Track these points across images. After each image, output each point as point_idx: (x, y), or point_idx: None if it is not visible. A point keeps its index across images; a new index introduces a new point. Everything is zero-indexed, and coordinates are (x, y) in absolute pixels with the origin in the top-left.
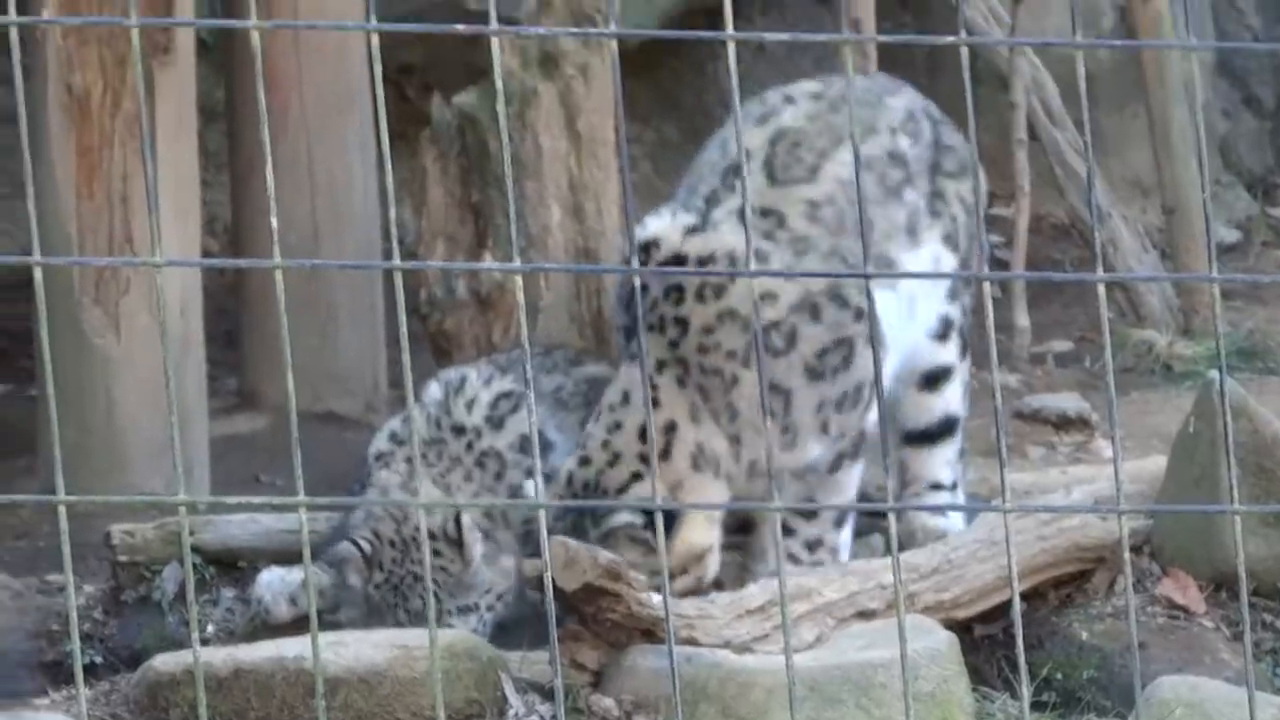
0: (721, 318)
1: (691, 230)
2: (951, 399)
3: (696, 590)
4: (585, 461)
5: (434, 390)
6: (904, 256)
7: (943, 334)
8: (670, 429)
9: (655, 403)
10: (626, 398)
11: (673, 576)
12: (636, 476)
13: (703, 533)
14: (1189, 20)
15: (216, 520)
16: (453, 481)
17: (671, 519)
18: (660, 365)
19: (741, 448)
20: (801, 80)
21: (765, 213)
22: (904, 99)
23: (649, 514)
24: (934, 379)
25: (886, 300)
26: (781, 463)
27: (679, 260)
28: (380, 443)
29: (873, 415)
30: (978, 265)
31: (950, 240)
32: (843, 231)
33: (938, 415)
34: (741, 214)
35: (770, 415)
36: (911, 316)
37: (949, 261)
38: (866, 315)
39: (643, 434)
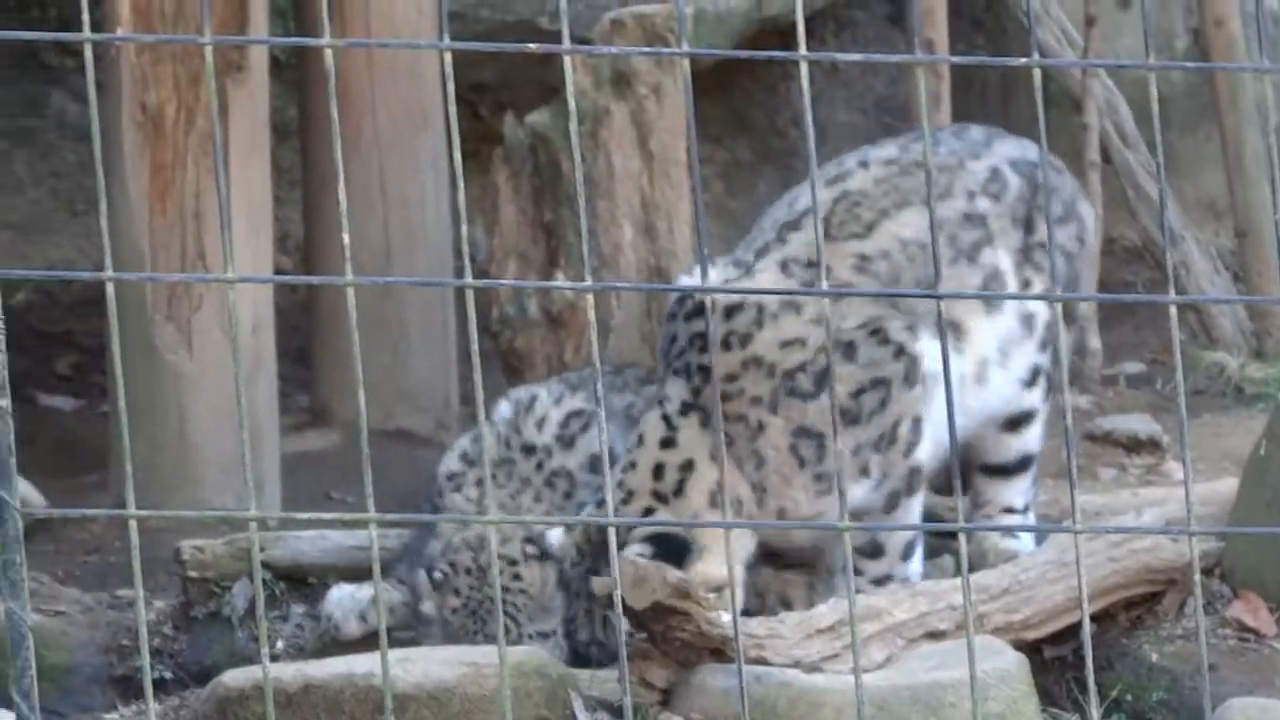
0: (746, 365)
1: (729, 282)
2: (1030, 440)
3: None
4: (601, 504)
5: (504, 409)
6: (976, 321)
7: (1031, 381)
8: (687, 467)
9: (672, 442)
10: (641, 440)
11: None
12: (649, 511)
13: (718, 567)
14: (1262, 42)
15: (287, 536)
16: (523, 503)
17: (685, 551)
18: (684, 408)
19: (768, 495)
20: (886, 141)
21: (811, 264)
22: (989, 159)
23: (659, 545)
24: (1016, 422)
25: (952, 364)
26: (819, 509)
27: (707, 308)
28: (451, 463)
29: (922, 452)
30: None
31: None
32: (896, 285)
33: (1015, 454)
34: (784, 264)
35: (801, 463)
36: (982, 383)
37: (1045, 314)
38: (907, 353)
39: (656, 471)
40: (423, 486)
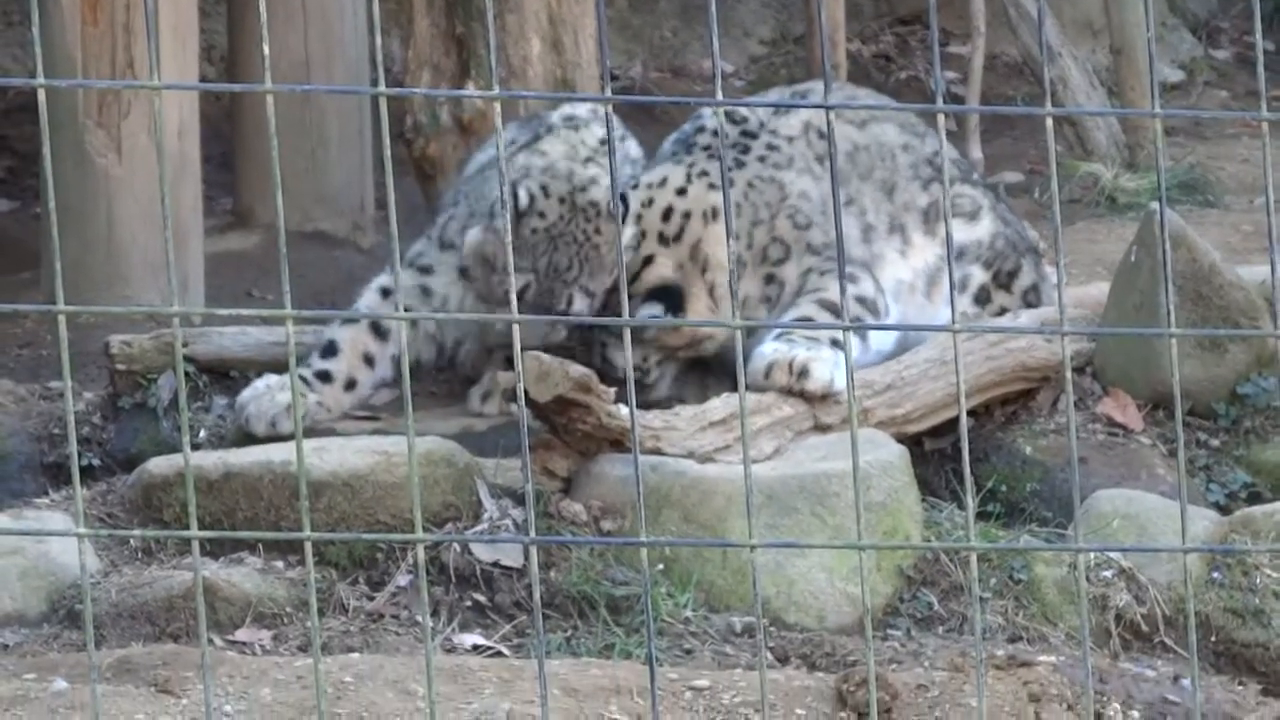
0: (793, 140)
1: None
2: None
3: (699, 357)
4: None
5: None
6: (916, 237)
7: (980, 298)
8: (687, 216)
9: (684, 192)
10: (664, 180)
11: (682, 349)
12: (650, 259)
13: (704, 311)
14: None
15: (210, 332)
16: None
17: (681, 303)
18: (703, 173)
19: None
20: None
21: (821, 134)
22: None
23: (670, 302)
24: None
25: (898, 269)
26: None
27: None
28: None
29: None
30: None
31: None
32: (866, 179)
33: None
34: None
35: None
36: (929, 299)
37: (979, 275)
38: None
39: (665, 214)
40: (340, 284)
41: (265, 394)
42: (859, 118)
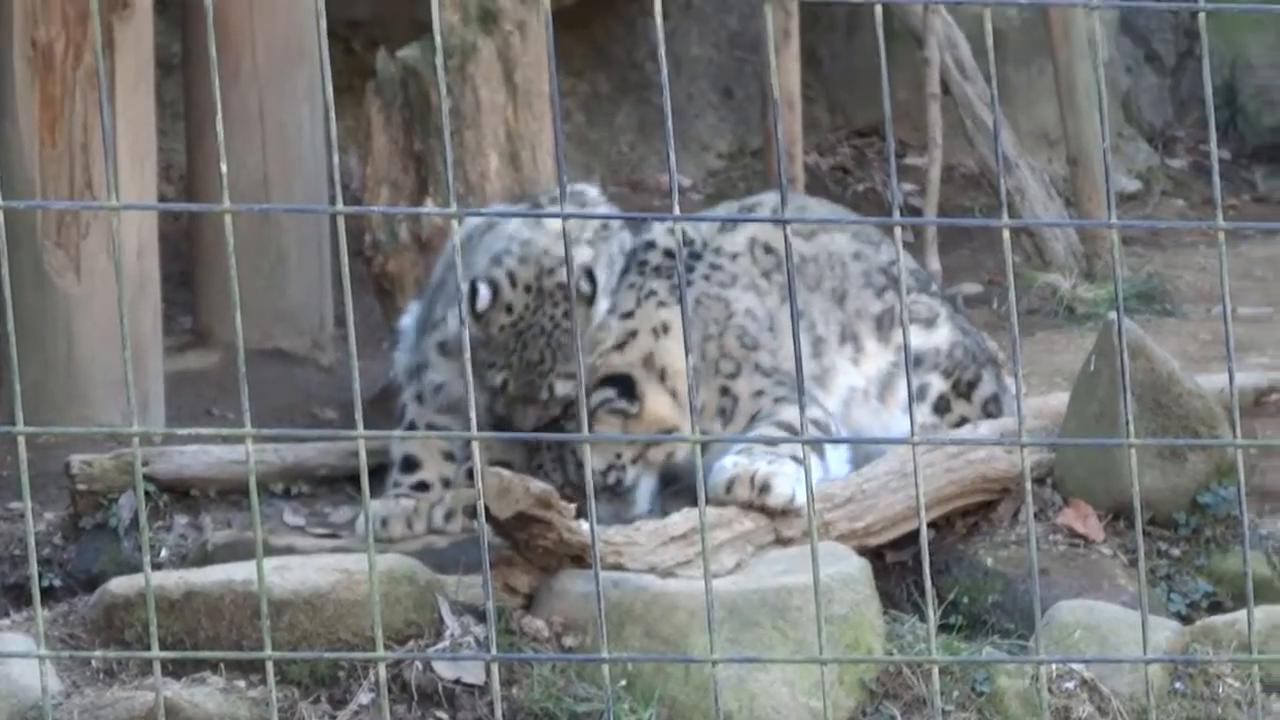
0: (737, 257)
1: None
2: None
3: (666, 463)
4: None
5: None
6: (870, 343)
7: (939, 407)
8: (633, 334)
9: (630, 315)
10: (631, 311)
11: (651, 446)
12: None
13: (667, 407)
14: None
15: (170, 451)
16: None
17: (634, 390)
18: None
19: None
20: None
21: (768, 249)
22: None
23: (623, 387)
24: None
25: (851, 377)
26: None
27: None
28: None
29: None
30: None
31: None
32: (815, 290)
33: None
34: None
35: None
36: (883, 403)
37: (938, 384)
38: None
39: (620, 344)
40: (299, 401)
41: (389, 498)
42: (806, 228)
